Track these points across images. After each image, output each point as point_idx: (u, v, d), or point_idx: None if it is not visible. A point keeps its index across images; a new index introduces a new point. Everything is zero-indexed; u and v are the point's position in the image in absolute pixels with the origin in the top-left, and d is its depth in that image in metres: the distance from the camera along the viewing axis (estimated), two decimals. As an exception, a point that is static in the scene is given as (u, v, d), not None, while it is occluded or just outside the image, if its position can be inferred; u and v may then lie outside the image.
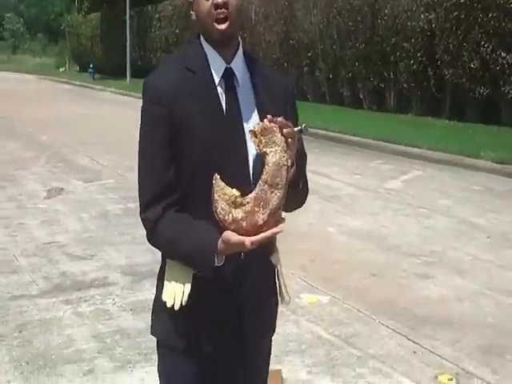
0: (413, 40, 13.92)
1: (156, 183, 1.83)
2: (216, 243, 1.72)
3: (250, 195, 1.68)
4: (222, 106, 1.85)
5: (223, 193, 1.67)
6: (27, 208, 7.48)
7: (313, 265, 5.58)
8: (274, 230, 1.67)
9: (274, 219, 1.67)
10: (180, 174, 1.83)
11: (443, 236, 6.44)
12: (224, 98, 1.86)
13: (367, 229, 6.65)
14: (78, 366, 3.81)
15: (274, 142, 1.68)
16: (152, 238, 1.86)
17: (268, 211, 1.65)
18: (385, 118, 14.42)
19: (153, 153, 1.85)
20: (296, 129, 1.79)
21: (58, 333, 4.26)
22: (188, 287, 1.83)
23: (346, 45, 15.61)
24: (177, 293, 1.84)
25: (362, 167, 9.88)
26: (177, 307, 1.83)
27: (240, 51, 1.92)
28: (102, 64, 32.10)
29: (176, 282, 1.85)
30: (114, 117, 16.29)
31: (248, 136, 1.78)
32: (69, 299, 4.81)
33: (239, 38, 1.94)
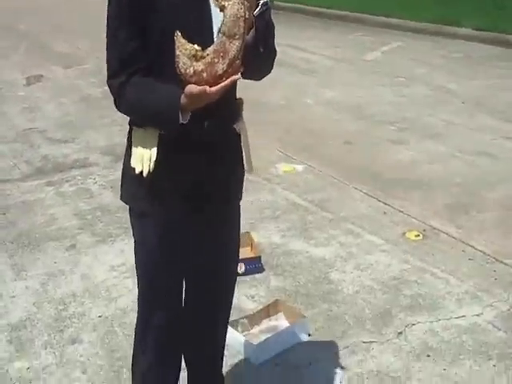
0: None
1: (121, 52, 1.82)
2: (179, 98, 1.73)
3: (210, 48, 1.70)
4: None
5: (184, 48, 1.70)
6: (7, 96, 7.40)
7: (289, 135, 5.61)
8: (233, 77, 1.69)
9: (233, 69, 1.70)
10: (148, 37, 1.81)
11: (418, 103, 6.46)
12: None
13: (343, 99, 6.65)
14: (60, 243, 3.91)
15: None
16: (119, 104, 1.87)
17: (227, 61, 1.68)
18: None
19: (118, 22, 1.81)
20: (262, 0, 1.79)
21: (42, 213, 4.34)
22: (154, 152, 1.85)
23: None
24: (144, 158, 1.86)
25: (341, 40, 9.73)
26: (145, 174, 1.86)
27: None
28: None
29: (143, 147, 1.87)
30: (93, 2, 15.80)
31: None
32: (51, 181, 4.87)
33: None
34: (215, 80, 1.69)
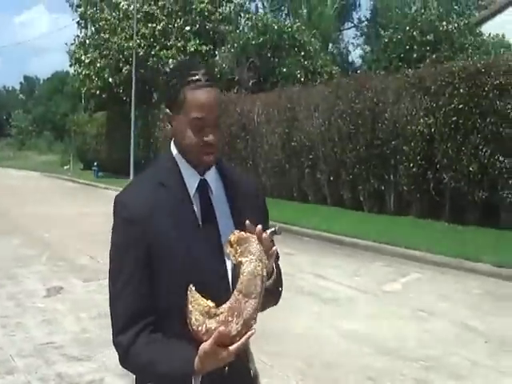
0: (412, 144, 14.26)
1: (128, 308, 1.81)
2: (193, 363, 1.70)
3: (224, 305, 1.67)
4: (197, 220, 1.87)
5: (197, 303, 1.67)
6: (26, 307, 7.53)
7: (310, 369, 5.59)
8: (249, 333, 1.66)
9: (247, 328, 1.66)
10: (157, 291, 1.82)
11: (442, 340, 6.46)
12: (199, 211, 1.89)
13: (365, 332, 6.68)
14: None
15: (250, 251, 1.69)
16: (125, 362, 1.85)
17: (241, 321, 1.64)
18: (385, 220, 14.61)
19: (124, 277, 1.83)
20: (269, 230, 1.83)
21: None
22: None
23: (347, 147, 15.97)
24: None
25: (361, 269, 9.96)
26: None
27: None
28: (106, 162, 32.68)
29: None
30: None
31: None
32: (64, 401, 4.82)
33: None
34: (229, 340, 1.64)
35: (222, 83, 22.14)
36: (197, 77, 1.82)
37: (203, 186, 1.92)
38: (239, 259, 1.69)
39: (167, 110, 1.89)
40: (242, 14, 29.82)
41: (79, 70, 30.43)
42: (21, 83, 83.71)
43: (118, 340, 1.83)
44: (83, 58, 29.71)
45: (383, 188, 15.42)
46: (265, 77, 23.62)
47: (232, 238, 1.72)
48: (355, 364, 5.73)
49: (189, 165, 1.91)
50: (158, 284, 1.82)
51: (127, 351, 1.80)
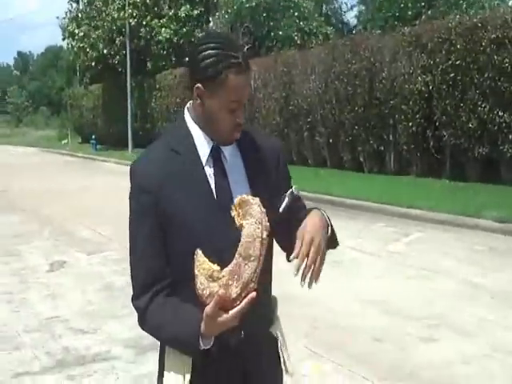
0: (411, 102, 14.19)
1: (146, 274, 1.86)
2: (199, 326, 1.72)
3: (226, 268, 1.68)
4: (210, 187, 1.87)
5: (202, 267, 1.69)
6: (30, 282, 7.53)
7: (315, 331, 5.59)
8: (249, 296, 1.66)
9: (247, 291, 1.66)
10: (172, 257, 1.86)
11: (446, 298, 6.46)
12: (213, 177, 1.88)
13: (370, 293, 6.68)
14: None
15: (250, 213, 1.69)
16: (142, 324, 1.90)
17: (240, 284, 1.65)
18: (385, 180, 14.59)
19: (142, 245, 1.87)
20: (288, 192, 1.86)
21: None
22: (188, 378, 1.85)
23: (345, 109, 15.90)
24: None
25: (364, 230, 9.96)
26: None
27: None
28: (103, 135, 32.62)
29: (176, 373, 1.87)
30: (115, 187, 16.43)
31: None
32: (71, 375, 4.83)
33: None
34: (230, 303, 1.66)
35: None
36: (239, 60, 1.80)
37: (216, 153, 1.90)
38: (240, 222, 1.69)
39: (199, 85, 1.83)
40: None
41: (73, 44, 30.19)
42: (15, 59, 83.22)
43: (136, 303, 1.89)
44: (76, 31, 29.44)
45: (383, 148, 15.38)
46: (260, 41, 23.43)
47: (236, 201, 1.72)
48: (361, 325, 5.74)
49: (202, 132, 1.90)
50: (172, 250, 1.85)
51: (144, 313, 1.86)
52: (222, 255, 1.73)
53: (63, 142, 38.67)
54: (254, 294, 1.67)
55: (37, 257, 8.84)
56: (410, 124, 14.26)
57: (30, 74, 71.10)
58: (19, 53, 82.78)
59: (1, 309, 6.55)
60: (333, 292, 6.70)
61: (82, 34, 29.20)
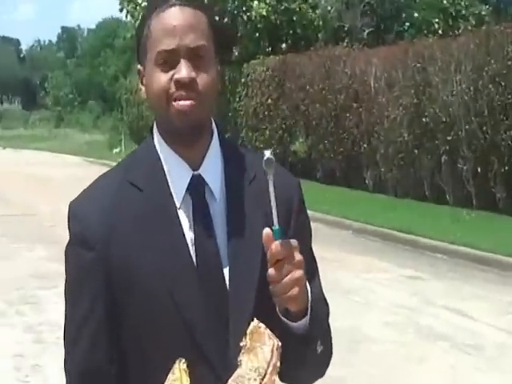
0: None
1: (80, 365, 1.78)
2: None
3: None
4: (186, 243, 1.75)
5: None
6: (48, 343, 7.59)
7: None
8: None
9: None
10: (123, 343, 1.78)
11: None
12: (191, 227, 1.76)
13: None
14: None
15: (256, 354, 1.64)
16: None
17: None
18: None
19: (77, 322, 1.80)
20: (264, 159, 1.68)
21: None
22: None
23: (502, 125, 15.52)
24: None
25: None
26: None
27: (214, 145, 1.84)
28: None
29: None
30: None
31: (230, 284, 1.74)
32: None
33: (213, 123, 1.89)
34: None
35: (327, 33, 22.03)
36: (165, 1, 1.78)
37: (197, 185, 1.78)
38: (240, 358, 1.64)
39: (139, 66, 1.85)
40: None
41: (135, 15, 30.47)
42: (58, 36, 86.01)
43: None
44: (139, -1, 29.81)
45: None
46: (386, 24, 23.32)
47: (251, 327, 1.66)
48: None
49: (174, 153, 1.79)
50: (122, 336, 1.77)
51: None
52: (202, 347, 1.70)
53: (115, 150, 39.54)
54: None
55: (61, 307, 8.91)
56: None
57: (78, 56, 73.23)
58: (64, 28, 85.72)
59: (5, 377, 6.62)
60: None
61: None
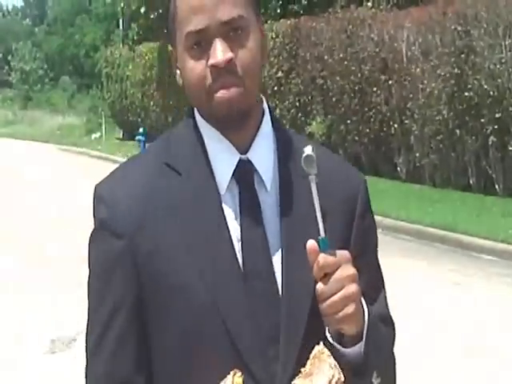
0: None
1: (107, 371, 1.81)
2: None
3: None
4: (228, 234, 1.77)
5: None
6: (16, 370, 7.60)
7: None
8: None
9: None
10: (150, 351, 1.81)
11: None
12: (236, 218, 1.79)
13: None
14: None
15: (311, 380, 1.65)
16: None
17: None
18: None
19: (102, 323, 1.81)
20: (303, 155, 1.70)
21: None
22: None
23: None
24: None
25: None
26: None
27: (265, 126, 1.85)
28: (158, 126, 32.94)
29: None
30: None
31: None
32: None
33: (263, 101, 1.89)
34: None
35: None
36: None
37: (244, 172, 1.82)
38: (294, 381, 1.67)
39: (170, 48, 1.88)
40: None
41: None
42: (24, 1, 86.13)
43: None
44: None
45: None
46: (420, -20, 23.28)
47: (315, 350, 1.69)
48: None
49: (219, 134, 1.83)
50: (152, 341, 1.81)
51: None
52: (249, 366, 1.73)
53: (94, 136, 39.63)
54: None
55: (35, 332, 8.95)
56: None
57: (49, 24, 73.30)
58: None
59: None
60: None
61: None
